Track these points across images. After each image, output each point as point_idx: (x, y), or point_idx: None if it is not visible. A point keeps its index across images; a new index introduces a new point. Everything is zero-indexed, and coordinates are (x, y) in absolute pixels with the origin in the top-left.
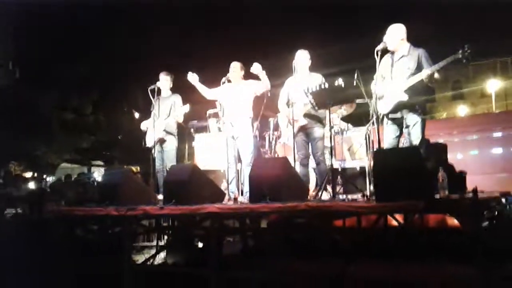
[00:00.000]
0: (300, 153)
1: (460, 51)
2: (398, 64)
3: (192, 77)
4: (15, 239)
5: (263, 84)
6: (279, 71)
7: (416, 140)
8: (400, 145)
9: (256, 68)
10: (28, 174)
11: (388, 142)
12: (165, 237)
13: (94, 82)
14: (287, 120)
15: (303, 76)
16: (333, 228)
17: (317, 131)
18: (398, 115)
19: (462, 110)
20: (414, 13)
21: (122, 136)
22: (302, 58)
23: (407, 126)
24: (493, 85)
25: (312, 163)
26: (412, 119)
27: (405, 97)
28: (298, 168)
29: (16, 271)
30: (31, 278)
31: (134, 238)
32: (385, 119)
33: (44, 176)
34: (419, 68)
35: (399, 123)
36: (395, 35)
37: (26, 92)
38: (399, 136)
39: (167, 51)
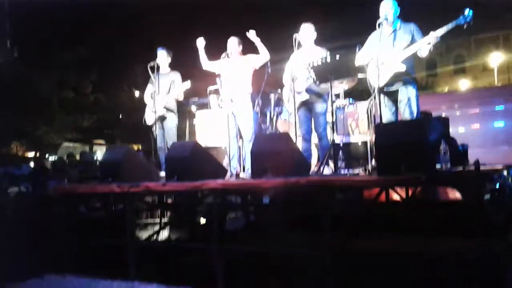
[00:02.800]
0: (302, 128)
1: (462, 16)
2: (392, 36)
3: (200, 42)
4: (19, 217)
5: (262, 55)
6: (280, 46)
7: (413, 113)
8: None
9: (251, 34)
10: (31, 154)
11: (386, 118)
12: (168, 214)
13: (93, 61)
14: (290, 94)
15: (308, 50)
16: (335, 203)
17: (319, 106)
18: (393, 88)
19: (464, 84)
20: None
21: (122, 115)
22: (306, 31)
23: (402, 100)
24: (495, 58)
25: (314, 139)
26: (408, 92)
27: (403, 68)
28: (300, 144)
29: (20, 248)
30: (35, 256)
31: (137, 215)
32: (381, 95)
33: (47, 155)
34: (413, 41)
35: (393, 98)
36: (388, 9)
37: (25, 71)
38: (396, 112)
39: (166, 27)
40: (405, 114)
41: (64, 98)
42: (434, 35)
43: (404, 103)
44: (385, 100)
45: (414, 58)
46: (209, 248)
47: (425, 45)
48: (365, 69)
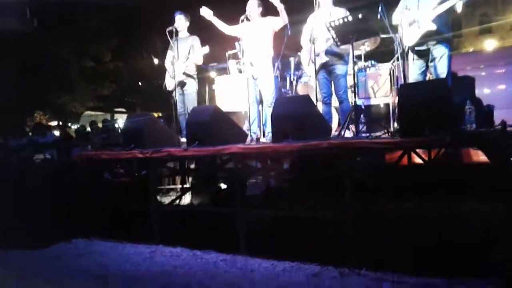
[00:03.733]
0: (322, 91)
1: None
2: None
3: (206, 11)
4: (45, 183)
5: (281, 18)
6: (300, 7)
7: (442, 74)
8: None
9: None
10: (54, 123)
11: (414, 78)
12: (190, 179)
13: (111, 29)
14: (309, 57)
15: (327, 11)
16: (356, 166)
17: (340, 68)
18: (424, 47)
19: (490, 44)
20: None
21: (142, 82)
22: None
23: (433, 59)
24: None
25: (334, 102)
26: (439, 51)
27: (433, 27)
28: (320, 107)
29: (46, 214)
30: (61, 221)
31: (160, 180)
32: (410, 54)
33: (69, 124)
34: None
35: (425, 57)
36: None
37: (45, 40)
38: (425, 71)
39: None
40: (434, 74)
41: (84, 67)
42: None
43: (434, 63)
44: (414, 60)
45: (449, 14)
46: (231, 212)
47: (458, 2)
48: (398, 28)
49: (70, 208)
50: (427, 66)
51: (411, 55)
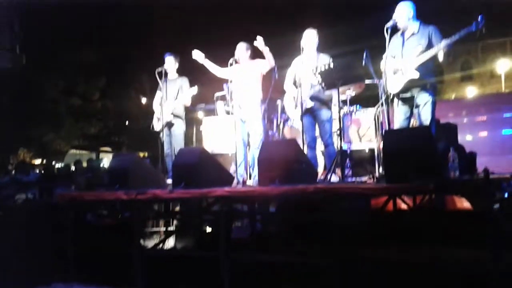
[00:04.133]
0: (307, 135)
1: (474, 23)
2: (409, 42)
3: (198, 55)
4: (26, 224)
5: (267, 61)
6: (287, 51)
7: (426, 120)
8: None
9: (259, 42)
10: (38, 161)
11: (399, 123)
12: (175, 222)
13: (100, 68)
14: (293, 101)
15: (311, 57)
16: (342, 211)
17: (324, 113)
18: (408, 94)
19: (471, 91)
20: None
21: (129, 122)
22: (310, 37)
23: (418, 106)
24: (502, 65)
25: (320, 146)
26: (423, 98)
27: (416, 75)
28: (305, 151)
29: (26, 256)
30: (42, 263)
31: (144, 222)
32: (396, 100)
33: (53, 162)
34: (430, 46)
35: (409, 103)
36: (405, 12)
37: (33, 77)
38: (410, 117)
39: (173, 33)
40: (418, 121)
41: (72, 105)
42: (446, 43)
43: (418, 110)
44: (399, 106)
45: (432, 62)
46: (216, 256)
47: (436, 52)
48: (382, 74)
49: (50, 250)
50: (411, 112)
51: (396, 101)
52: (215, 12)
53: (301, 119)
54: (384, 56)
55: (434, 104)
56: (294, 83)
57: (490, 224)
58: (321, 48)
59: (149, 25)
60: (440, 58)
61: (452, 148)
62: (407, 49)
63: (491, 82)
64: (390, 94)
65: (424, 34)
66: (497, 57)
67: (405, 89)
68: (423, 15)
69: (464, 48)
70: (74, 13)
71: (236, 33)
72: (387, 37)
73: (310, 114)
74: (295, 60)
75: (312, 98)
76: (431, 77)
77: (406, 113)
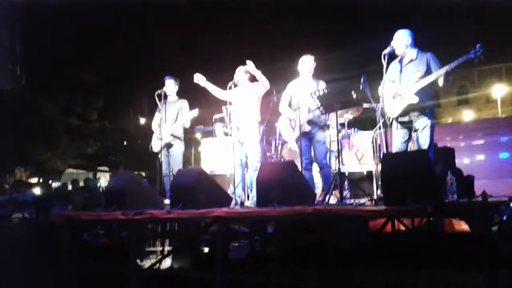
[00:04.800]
0: (303, 157)
1: (473, 51)
2: (407, 68)
3: (199, 78)
4: (23, 244)
5: (261, 84)
6: (285, 75)
7: (424, 144)
8: (409, 149)
9: (249, 66)
10: (34, 180)
11: (396, 146)
12: (172, 242)
13: (99, 89)
14: (288, 123)
15: (307, 81)
16: (340, 233)
17: (320, 135)
18: (407, 118)
19: (467, 115)
20: (416, 17)
21: (127, 142)
22: (306, 63)
23: (416, 130)
24: (498, 90)
25: (316, 168)
26: (422, 123)
27: (415, 100)
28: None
29: (23, 275)
30: (38, 282)
31: (141, 242)
32: (394, 123)
33: (50, 181)
34: (428, 71)
35: (408, 127)
36: (403, 40)
37: (32, 97)
38: (408, 141)
39: (172, 56)
40: (417, 145)
41: (70, 124)
42: (445, 70)
43: (417, 134)
44: (398, 130)
45: (432, 87)
46: (213, 277)
47: (436, 78)
48: (381, 98)
49: (47, 270)
50: (409, 136)
51: (394, 124)
52: (215, 35)
53: (297, 142)
54: (382, 81)
55: (432, 128)
56: (290, 105)
57: (487, 246)
58: (318, 74)
59: (148, 46)
60: (440, 83)
61: (449, 171)
62: (406, 75)
63: (488, 106)
64: (389, 118)
65: (422, 60)
66: (493, 82)
67: (404, 113)
68: (421, 42)
69: (461, 73)
70: (74, 34)
71: (236, 57)
72: (384, 63)
73: (306, 137)
74: (290, 84)
75: (310, 122)
76: (430, 101)
77: (404, 137)
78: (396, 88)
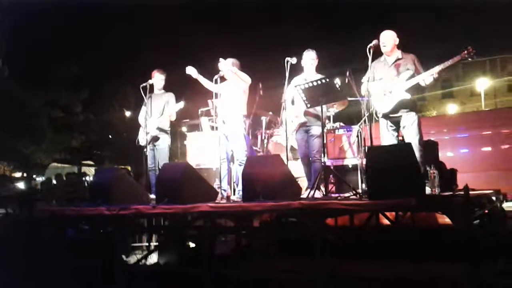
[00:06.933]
0: (300, 151)
1: (465, 50)
2: (396, 66)
3: (191, 70)
4: (5, 239)
5: (240, 80)
6: (277, 71)
7: (415, 138)
8: None
9: (222, 64)
10: (18, 174)
11: (387, 142)
12: (157, 237)
13: (83, 81)
14: (289, 118)
15: (309, 76)
16: (326, 227)
17: (315, 129)
18: (396, 114)
19: (452, 108)
20: (401, 14)
21: (113, 136)
22: (307, 58)
23: (405, 126)
24: (482, 84)
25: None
26: (410, 118)
27: (407, 96)
28: (301, 167)
29: (7, 271)
30: (22, 278)
31: (126, 238)
32: (383, 120)
33: (34, 176)
34: (416, 70)
35: (397, 123)
36: (391, 39)
37: (15, 90)
38: (397, 136)
39: (158, 49)
40: (407, 139)
41: (53, 117)
42: (438, 68)
43: (406, 129)
44: (387, 126)
45: (418, 84)
46: (199, 272)
47: (428, 76)
48: (368, 94)
49: (31, 265)
50: (398, 131)
51: (383, 121)
52: (204, 28)
53: (295, 135)
54: (365, 77)
55: (419, 124)
56: (293, 101)
57: (469, 240)
58: (318, 69)
59: (134, 38)
60: (428, 81)
61: (432, 165)
62: (394, 73)
63: (471, 99)
64: (379, 113)
65: (409, 59)
66: (477, 76)
67: (394, 110)
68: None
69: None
70: (58, 26)
71: (223, 51)
72: (369, 56)
73: (302, 129)
74: (294, 79)
75: (306, 114)
76: (415, 98)
77: (394, 132)
78: (386, 86)
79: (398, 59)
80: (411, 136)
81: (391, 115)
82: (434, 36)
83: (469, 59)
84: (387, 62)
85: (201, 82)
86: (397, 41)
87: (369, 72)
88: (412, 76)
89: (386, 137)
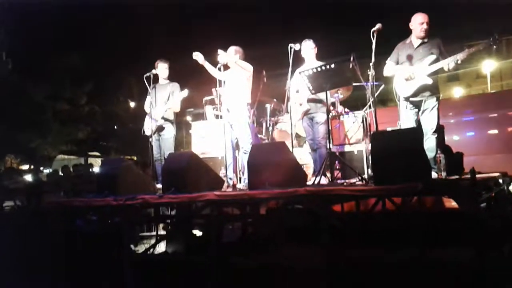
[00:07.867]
0: (308, 138)
1: (491, 39)
2: (419, 50)
3: (198, 56)
4: (14, 231)
5: (242, 69)
6: (280, 60)
7: (433, 123)
8: None
9: (222, 56)
10: (25, 167)
11: (407, 122)
12: (165, 226)
13: (88, 73)
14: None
15: (311, 65)
16: (332, 213)
17: (320, 115)
18: (418, 98)
19: (457, 91)
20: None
21: (118, 126)
22: (307, 47)
23: (425, 110)
24: (488, 66)
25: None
26: (431, 103)
27: (429, 81)
28: (309, 154)
29: (16, 263)
30: (30, 269)
31: (134, 228)
32: (403, 103)
33: (41, 168)
34: (441, 55)
35: (417, 106)
36: (421, 21)
37: (20, 83)
38: (418, 120)
39: (161, 39)
40: (425, 124)
41: (59, 110)
42: (464, 55)
43: (426, 113)
44: (407, 109)
45: (441, 69)
46: (207, 260)
47: (452, 61)
48: (393, 79)
49: (40, 257)
50: (418, 116)
51: (403, 103)
52: (207, 18)
53: (301, 123)
54: (391, 57)
55: (438, 109)
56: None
57: (475, 223)
58: (319, 57)
59: (137, 29)
60: (451, 66)
61: (439, 149)
62: (419, 57)
63: (477, 82)
64: (400, 96)
65: (434, 43)
66: (483, 58)
67: (416, 93)
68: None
69: (451, 48)
70: (61, 18)
71: (226, 40)
72: (373, 40)
73: (308, 116)
74: (297, 70)
75: (310, 101)
76: (436, 81)
77: (414, 116)
78: (409, 69)
79: (424, 42)
80: (429, 121)
81: (411, 99)
82: (437, 16)
83: (494, 46)
84: (412, 44)
85: (206, 69)
86: (427, 22)
87: (394, 53)
88: (436, 60)
89: (406, 120)
